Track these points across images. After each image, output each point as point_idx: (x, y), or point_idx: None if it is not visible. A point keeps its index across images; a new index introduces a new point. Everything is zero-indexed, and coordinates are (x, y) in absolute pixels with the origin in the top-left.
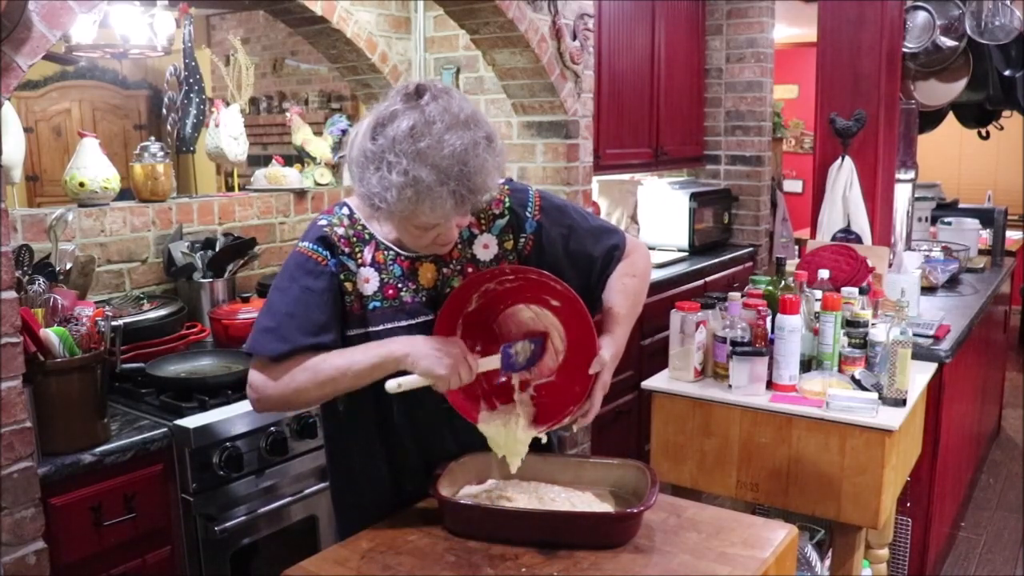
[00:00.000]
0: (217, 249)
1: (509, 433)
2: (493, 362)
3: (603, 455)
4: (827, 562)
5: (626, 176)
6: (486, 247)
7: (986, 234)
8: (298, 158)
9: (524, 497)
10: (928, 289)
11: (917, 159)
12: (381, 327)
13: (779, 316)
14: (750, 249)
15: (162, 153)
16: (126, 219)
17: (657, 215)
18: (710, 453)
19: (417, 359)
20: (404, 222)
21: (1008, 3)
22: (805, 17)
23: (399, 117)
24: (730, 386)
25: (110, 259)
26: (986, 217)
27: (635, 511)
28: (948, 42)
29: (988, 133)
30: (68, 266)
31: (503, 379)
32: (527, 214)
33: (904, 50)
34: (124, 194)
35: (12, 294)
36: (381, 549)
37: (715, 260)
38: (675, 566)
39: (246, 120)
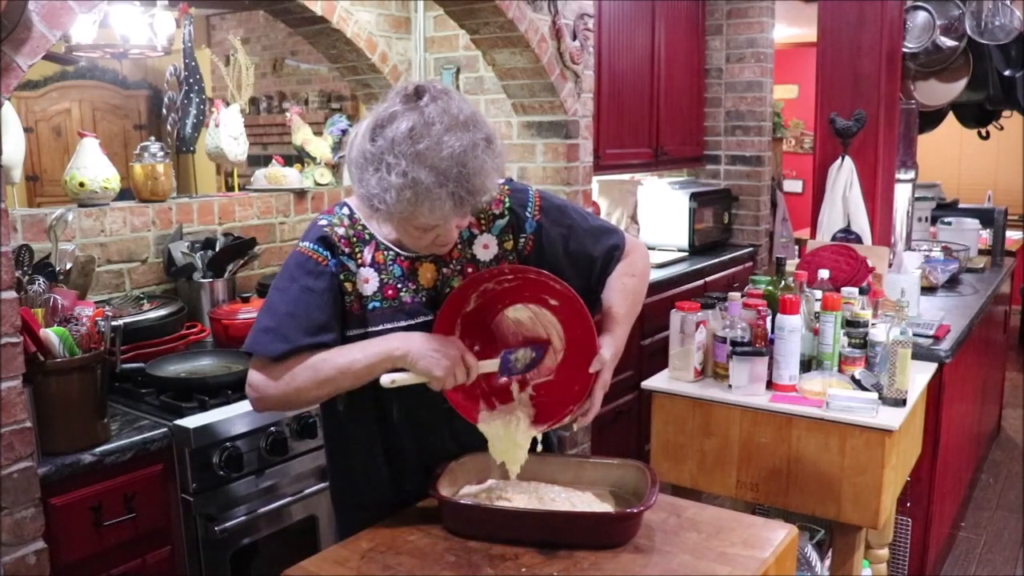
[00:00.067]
0: (217, 249)
1: (509, 433)
2: (492, 366)
3: (603, 455)
4: (827, 562)
5: (626, 176)
6: (486, 247)
7: (986, 234)
8: (298, 158)
9: (524, 497)
10: (928, 289)
11: (917, 159)
12: (381, 327)
13: (779, 316)
14: (750, 249)
15: (162, 153)
16: (126, 219)
17: (657, 215)
18: (710, 453)
19: (415, 359)
20: (403, 223)
21: (1008, 3)
22: (805, 17)
23: (398, 118)
24: (730, 386)
25: (110, 259)
26: (986, 217)
27: (635, 511)
28: (948, 42)
29: (988, 133)
30: (68, 266)
31: (503, 379)
32: (527, 214)
33: (904, 50)
34: (124, 194)
35: (12, 294)
36: (381, 549)
37: (715, 260)
38: (675, 566)
39: (246, 120)
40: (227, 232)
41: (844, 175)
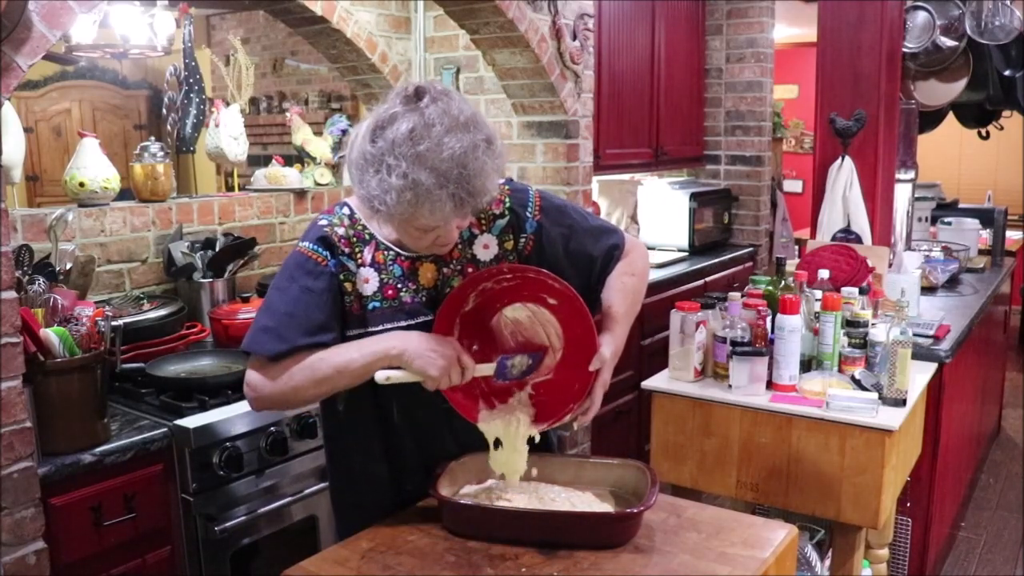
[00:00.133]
0: (217, 249)
1: (509, 432)
2: (488, 370)
3: (603, 455)
4: (827, 562)
5: (626, 176)
6: (486, 247)
7: (986, 234)
8: (298, 158)
9: (524, 497)
10: (928, 289)
11: (917, 159)
12: (381, 327)
13: (779, 316)
14: (750, 249)
15: (162, 153)
16: (126, 219)
17: (657, 215)
18: (710, 453)
19: (412, 358)
20: (404, 224)
21: (1008, 3)
22: (805, 17)
23: (398, 120)
24: (730, 386)
25: (110, 259)
26: (986, 217)
27: (635, 511)
28: (948, 42)
29: (988, 133)
30: (68, 266)
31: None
32: (527, 214)
33: (904, 50)
34: (124, 194)
35: (12, 294)
36: (381, 549)
37: (715, 260)
38: (675, 566)
39: (246, 120)
40: (227, 232)
41: (844, 175)
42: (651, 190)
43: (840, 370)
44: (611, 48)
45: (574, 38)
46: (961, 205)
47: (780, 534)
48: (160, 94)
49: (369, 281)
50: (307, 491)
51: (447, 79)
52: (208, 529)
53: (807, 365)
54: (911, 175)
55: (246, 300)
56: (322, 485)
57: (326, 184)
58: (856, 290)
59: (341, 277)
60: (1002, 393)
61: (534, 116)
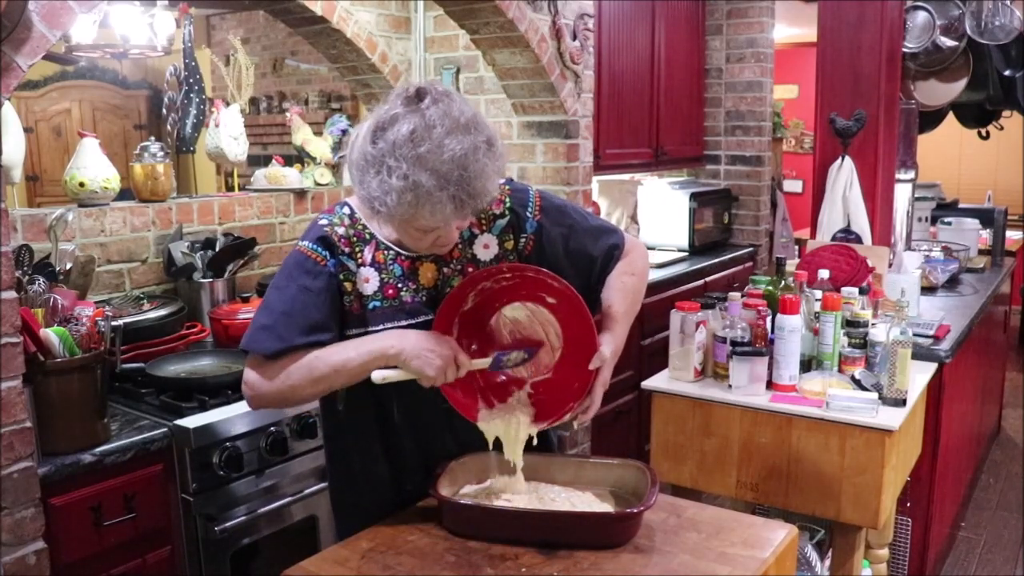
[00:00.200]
0: (217, 249)
1: (509, 431)
2: (483, 364)
3: (603, 455)
4: (827, 562)
5: (626, 176)
6: (487, 247)
7: (986, 234)
8: (298, 158)
9: (524, 497)
10: (928, 289)
11: (917, 159)
12: (381, 327)
13: (779, 316)
14: (750, 249)
15: (162, 153)
16: (126, 219)
17: (657, 215)
18: (710, 453)
19: (409, 358)
20: (404, 225)
21: (1008, 3)
22: (805, 17)
23: (399, 121)
24: (730, 386)
25: (110, 259)
26: (986, 217)
27: (635, 511)
28: (948, 42)
29: (988, 133)
30: (68, 266)
31: (503, 378)
32: (527, 214)
33: (904, 50)
34: (124, 194)
35: (12, 294)
36: (381, 549)
37: (715, 260)
38: (675, 566)
39: (246, 120)
40: (227, 232)
41: (844, 175)
42: (651, 190)
43: (840, 370)
44: (611, 48)
45: (574, 38)
46: (961, 205)
47: (780, 534)
48: (160, 94)
49: (369, 281)
50: (307, 491)
51: (447, 79)
52: (208, 529)
53: (807, 365)
54: (911, 175)
55: (246, 300)
56: (322, 485)
57: (326, 184)
58: (856, 290)
59: (341, 277)
60: (1002, 393)
61: (534, 116)
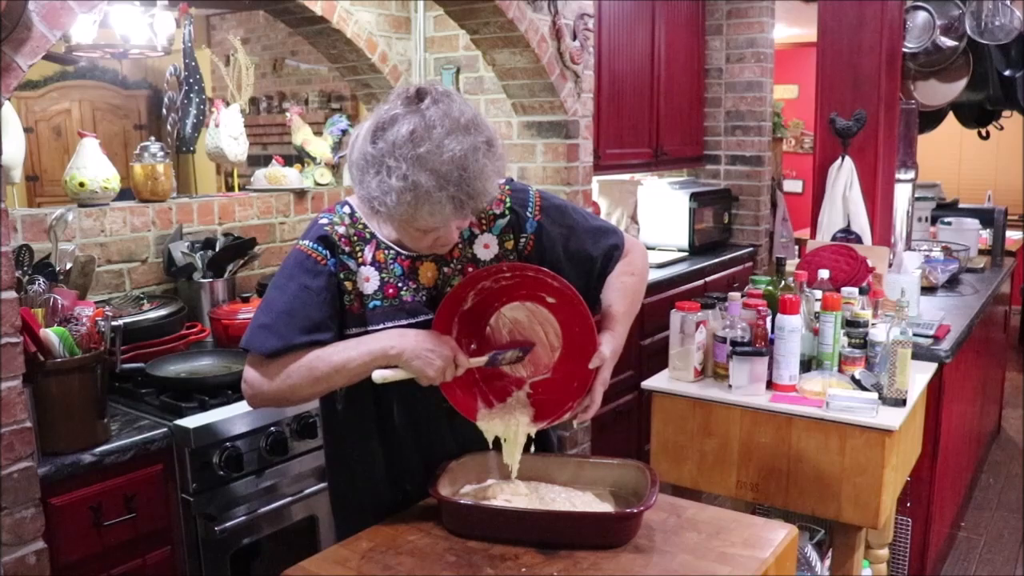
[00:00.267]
0: (217, 249)
1: (509, 430)
2: (479, 362)
3: (603, 455)
4: (827, 562)
5: (626, 176)
6: (487, 247)
7: (986, 234)
8: (298, 158)
9: (524, 497)
10: (928, 289)
11: (917, 159)
12: (381, 326)
13: (779, 316)
14: (750, 249)
15: (162, 153)
16: (126, 219)
17: (657, 215)
18: (710, 453)
19: (410, 358)
20: (404, 225)
21: (1008, 3)
22: (805, 17)
23: (399, 121)
24: (730, 386)
25: (110, 259)
26: (986, 217)
27: (635, 511)
28: (948, 42)
29: (988, 133)
30: (68, 266)
31: (503, 378)
32: (528, 214)
33: (904, 50)
34: (124, 194)
35: (12, 294)
36: (381, 549)
37: (715, 260)
38: (675, 566)
39: (246, 120)
40: (227, 232)
41: (844, 175)
42: (651, 190)
43: (840, 370)
44: (611, 48)
45: (574, 38)
46: (961, 205)
47: (780, 534)
48: (160, 94)
49: (370, 280)
50: (307, 491)
51: (447, 79)
52: (208, 529)
53: (807, 365)
54: (911, 175)
55: (246, 300)
56: (322, 485)
57: (326, 184)
58: (856, 290)
59: (341, 276)
60: (1002, 393)
61: (534, 116)
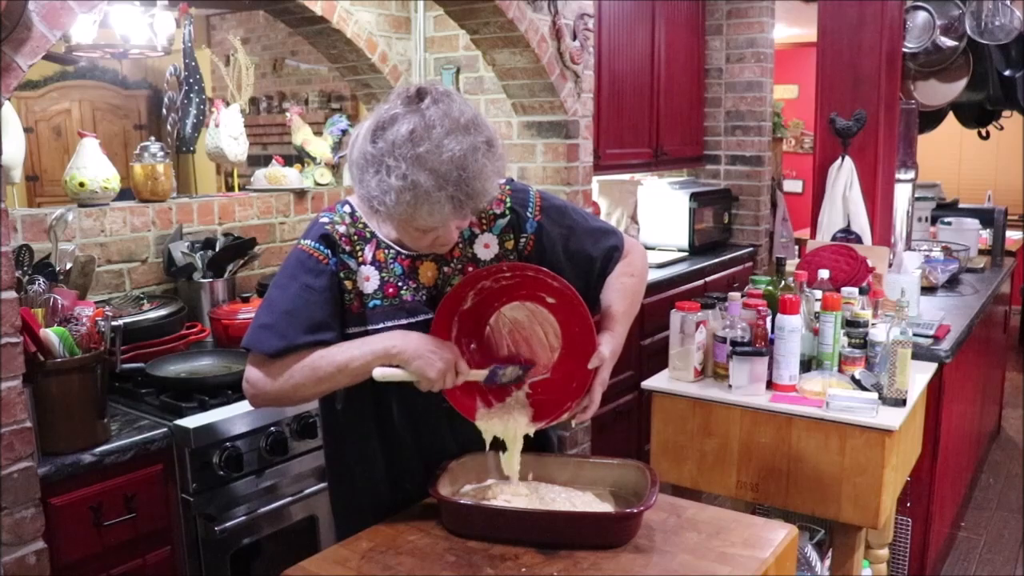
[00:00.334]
0: (217, 249)
1: (508, 429)
2: (479, 376)
3: (603, 455)
4: (827, 562)
5: (626, 176)
6: (487, 246)
7: (986, 234)
8: (298, 158)
9: (524, 497)
10: (928, 289)
11: (917, 159)
12: (381, 325)
13: (779, 316)
14: (750, 249)
15: (162, 153)
16: (126, 219)
17: (657, 215)
18: (710, 453)
19: (411, 359)
20: (403, 224)
21: (1008, 3)
22: (805, 17)
23: (399, 121)
24: (730, 386)
25: (110, 259)
26: (986, 217)
27: (635, 511)
28: (948, 42)
29: (988, 133)
30: (68, 266)
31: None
32: (528, 214)
33: (904, 50)
34: (124, 194)
35: (12, 294)
36: (381, 549)
37: (715, 260)
38: (675, 566)
39: (246, 120)
40: (227, 232)
41: (844, 175)
42: (651, 190)
43: (840, 370)
44: (611, 48)
45: (574, 38)
46: (961, 205)
47: (780, 534)
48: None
49: (370, 279)
50: (307, 491)
51: (447, 79)
52: (208, 529)
53: (807, 365)
54: (911, 175)
55: (246, 300)
56: (322, 485)
57: (326, 184)
58: (856, 290)
59: (342, 275)
60: (1002, 393)
61: (534, 116)
